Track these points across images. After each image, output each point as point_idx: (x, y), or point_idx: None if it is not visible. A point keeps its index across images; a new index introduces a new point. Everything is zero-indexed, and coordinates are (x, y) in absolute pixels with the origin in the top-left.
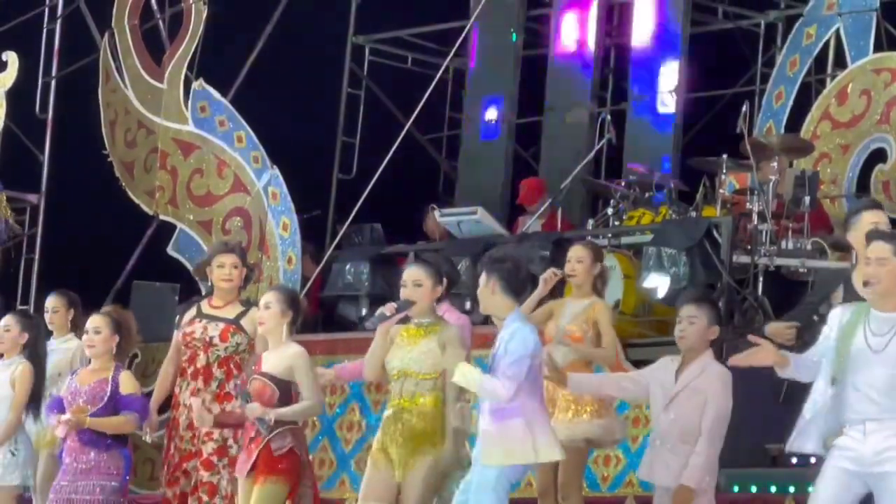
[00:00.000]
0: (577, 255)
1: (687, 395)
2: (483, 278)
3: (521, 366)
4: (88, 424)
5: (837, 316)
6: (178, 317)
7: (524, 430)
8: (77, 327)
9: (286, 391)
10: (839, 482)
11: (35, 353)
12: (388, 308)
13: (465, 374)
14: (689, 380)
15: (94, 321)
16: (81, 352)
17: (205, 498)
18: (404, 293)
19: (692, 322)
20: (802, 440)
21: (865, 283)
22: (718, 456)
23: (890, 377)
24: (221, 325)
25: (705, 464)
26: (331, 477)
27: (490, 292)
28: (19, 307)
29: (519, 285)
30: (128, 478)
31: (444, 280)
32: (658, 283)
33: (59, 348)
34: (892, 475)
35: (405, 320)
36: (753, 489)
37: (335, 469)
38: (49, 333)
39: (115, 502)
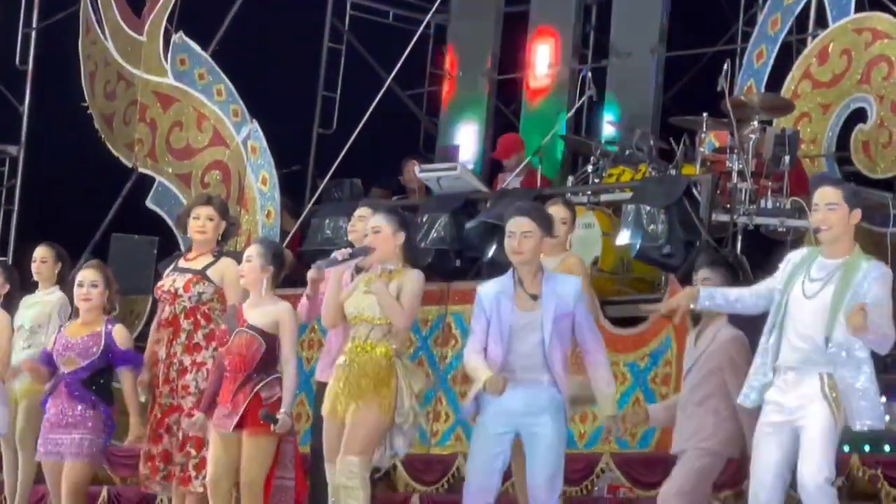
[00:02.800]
0: (560, 215)
1: (704, 361)
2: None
3: None
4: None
5: (789, 259)
6: (161, 273)
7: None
8: (63, 281)
9: (272, 345)
10: (774, 442)
11: (9, 302)
12: (339, 253)
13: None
14: (705, 345)
15: (91, 275)
16: (62, 305)
17: (193, 452)
18: (364, 241)
19: (706, 284)
20: (747, 392)
21: (816, 230)
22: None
23: (817, 325)
24: (187, 276)
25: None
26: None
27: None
28: None
29: None
30: (110, 436)
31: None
32: (628, 241)
33: (42, 300)
34: (808, 418)
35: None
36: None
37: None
38: (32, 285)
39: (97, 458)
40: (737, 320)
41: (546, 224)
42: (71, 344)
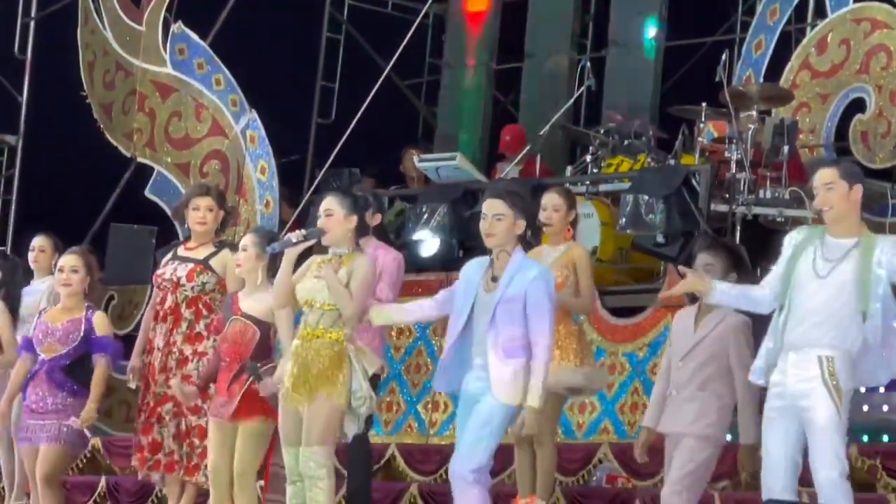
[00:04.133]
0: (553, 202)
1: (707, 344)
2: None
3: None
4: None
5: (791, 238)
6: (159, 261)
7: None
8: None
9: (266, 333)
10: (780, 428)
11: (9, 293)
12: (294, 234)
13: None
14: (709, 329)
15: (72, 260)
16: (50, 293)
17: (196, 441)
18: (319, 223)
19: (708, 269)
20: (758, 374)
21: (819, 213)
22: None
23: (828, 305)
24: (190, 266)
25: (755, 417)
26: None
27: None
28: None
29: None
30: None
31: (369, 211)
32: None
33: (39, 289)
34: (812, 410)
35: (324, 251)
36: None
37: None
38: (29, 275)
39: (78, 444)
40: None
41: (521, 207)
42: (51, 330)
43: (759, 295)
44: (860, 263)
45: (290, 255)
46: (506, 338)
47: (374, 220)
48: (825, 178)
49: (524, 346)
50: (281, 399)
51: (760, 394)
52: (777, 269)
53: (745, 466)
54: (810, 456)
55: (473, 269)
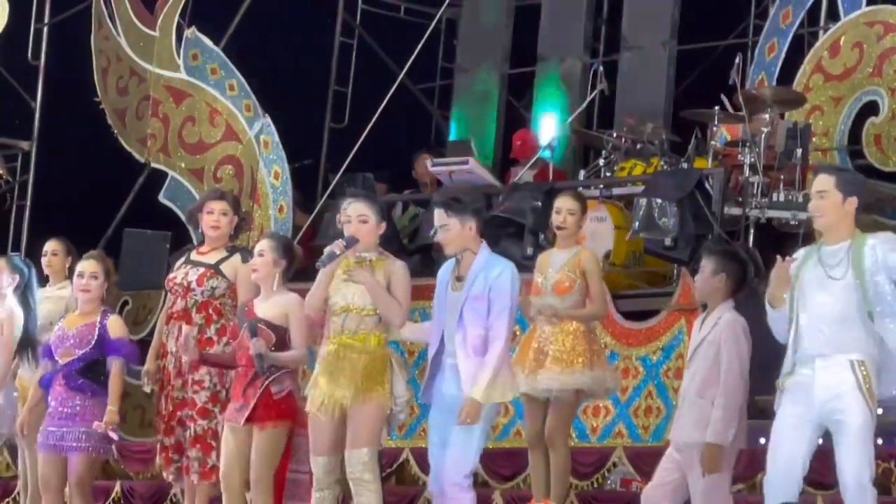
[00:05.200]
0: (567, 206)
1: (704, 349)
2: None
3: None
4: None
5: (794, 258)
6: (173, 265)
7: (508, 362)
8: (73, 275)
9: (281, 337)
10: (797, 433)
11: (25, 297)
12: (337, 246)
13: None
14: (706, 333)
15: (91, 266)
16: (73, 299)
17: (213, 443)
18: (349, 229)
19: (702, 271)
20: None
21: (814, 218)
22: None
23: (839, 308)
24: (201, 270)
25: (724, 417)
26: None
27: None
28: (10, 253)
29: None
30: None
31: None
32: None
33: (54, 295)
34: (847, 413)
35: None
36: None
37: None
38: (44, 280)
39: (102, 448)
40: (745, 307)
41: (464, 210)
42: (67, 335)
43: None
44: (853, 265)
45: (333, 266)
46: (473, 336)
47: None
48: (821, 185)
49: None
50: (312, 409)
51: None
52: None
53: (707, 466)
54: (839, 460)
55: (443, 271)
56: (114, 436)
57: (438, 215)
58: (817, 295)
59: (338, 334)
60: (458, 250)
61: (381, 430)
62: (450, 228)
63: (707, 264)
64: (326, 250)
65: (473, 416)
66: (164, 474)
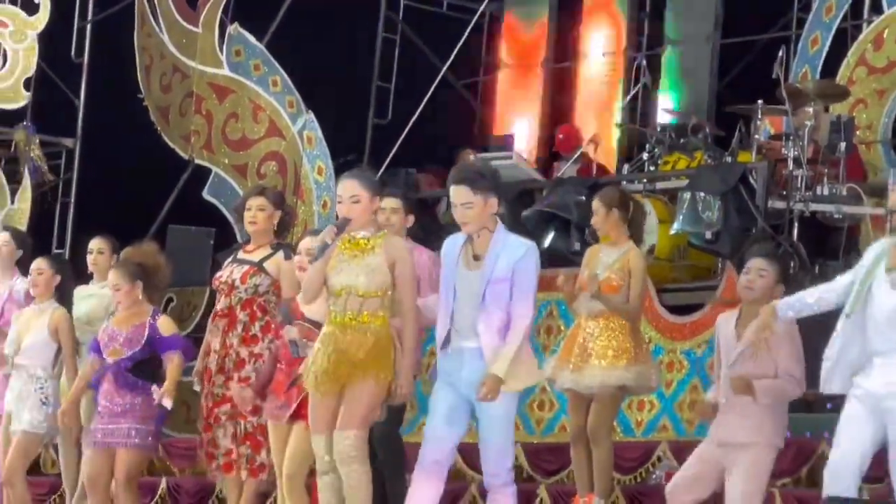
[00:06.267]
0: (594, 206)
1: (750, 354)
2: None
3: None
4: (170, 389)
5: (871, 250)
6: (221, 263)
7: (527, 348)
8: None
9: None
10: (856, 429)
11: (62, 295)
12: (328, 235)
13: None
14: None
15: (112, 278)
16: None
17: (262, 440)
18: (340, 209)
19: (762, 275)
20: (828, 381)
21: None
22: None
23: None
24: (245, 268)
25: (778, 393)
26: None
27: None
28: (55, 251)
29: None
30: (161, 422)
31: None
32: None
33: (98, 293)
34: None
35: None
36: (788, 434)
37: None
38: (85, 277)
39: (149, 446)
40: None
41: (487, 186)
42: (116, 334)
43: (822, 296)
44: None
45: (328, 254)
46: (499, 318)
47: (408, 222)
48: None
49: None
50: (311, 388)
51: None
52: (850, 276)
53: (699, 410)
54: (893, 455)
55: (450, 246)
56: (167, 403)
57: (462, 192)
58: (881, 296)
59: (340, 315)
60: (477, 228)
61: (374, 413)
62: (474, 206)
63: (771, 271)
64: (318, 239)
65: (494, 392)
66: (209, 473)
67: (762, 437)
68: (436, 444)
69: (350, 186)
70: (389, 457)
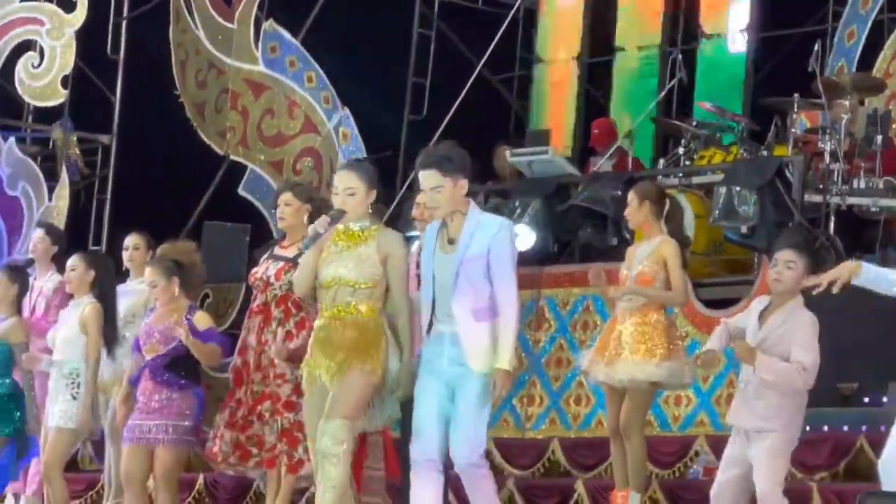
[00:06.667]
0: (628, 197)
1: (773, 342)
2: None
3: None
4: (185, 340)
5: None
6: (258, 260)
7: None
8: None
9: None
10: None
11: (103, 292)
12: (320, 225)
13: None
14: (776, 326)
15: (149, 274)
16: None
17: (300, 436)
18: (336, 201)
19: (790, 267)
20: None
21: None
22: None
23: None
24: (280, 264)
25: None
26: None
27: None
28: (91, 248)
29: None
30: (200, 418)
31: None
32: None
33: (135, 289)
34: None
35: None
36: (826, 428)
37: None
38: (123, 273)
39: (188, 442)
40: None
41: (455, 168)
42: (153, 331)
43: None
44: None
45: (319, 244)
46: (473, 300)
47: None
48: None
49: (493, 306)
50: (306, 386)
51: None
52: None
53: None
54: None
55: (429, 233)
56: (180, 334)
57: (430, 176)
58: None
59: (330, 307)
60: (449, 212)
61: (363, 405)
62: (443, 189)
63: (799, 262)
64: (310, 230)
65: (506, 387)
66: (220, 467)
67: (776, 424)
68: (427, 442)
69: (346, 178)
70: None
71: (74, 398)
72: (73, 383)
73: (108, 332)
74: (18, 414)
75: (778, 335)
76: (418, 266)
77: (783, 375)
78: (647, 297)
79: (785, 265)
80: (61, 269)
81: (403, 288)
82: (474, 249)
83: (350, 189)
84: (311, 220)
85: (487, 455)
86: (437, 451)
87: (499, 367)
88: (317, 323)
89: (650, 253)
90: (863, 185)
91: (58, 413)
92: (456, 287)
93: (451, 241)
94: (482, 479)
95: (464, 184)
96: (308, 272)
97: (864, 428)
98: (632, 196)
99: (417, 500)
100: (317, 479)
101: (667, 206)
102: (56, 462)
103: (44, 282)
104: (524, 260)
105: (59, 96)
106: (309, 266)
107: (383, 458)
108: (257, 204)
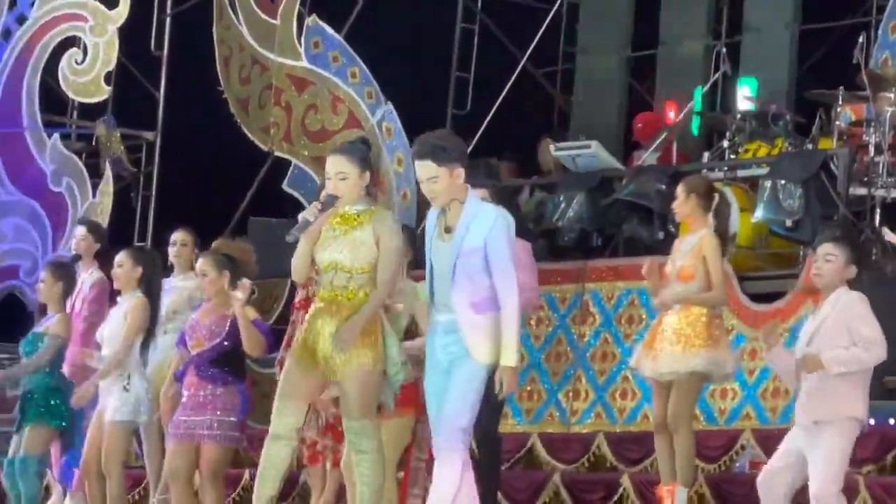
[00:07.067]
0: (677, 189)
1: (826, 328)
2: None
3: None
4: (238, 311)
5: None
6: None
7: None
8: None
9: (408, 327)
10: None
11: (149, 287)
12: (310, 213)
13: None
14: (826, 314)
15: (201, 265)
16: (198, 290)
17: (341, 429)
18: (328, 186)
19: (829, 260)
20: None
21: None
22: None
23: None
24: None
25: (849, 360)
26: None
27: None
28: (136, 244)
29: None
30: (245, 413)
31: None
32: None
33: (178, 286)
34: None
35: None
36: (872, 422)
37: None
38: (169, 269)
39: (233, 437)
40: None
41: (451, 157)
42: (199, 326)
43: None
44: None
45: (314, 230)
46: (473, 292)
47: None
48: None
49: (494, 297)
50: (293, 358)
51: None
52: None
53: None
54: None
55: (429, 221)
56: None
57: (426, 167)
58: None
59: (327, 290)
60: (446, 201)
61: (374, 397)
62: (439, 179)
63: (839, 254)
64: (300, 217)
65: (513, 385)
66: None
67: (839, 414)
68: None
69: (337, 163)
70: (487, 456)
71: (126, 390)
72: (121, 375)
73: (153, 327)
74: (66, 408)
75: (830, 321)
76: None
77: (851, 362)
78: (687, 301)
79: (824, 259)
80: (103, 266)
81: (389, 269)
82: (470, 242)
83: (342, 173)
84: None
85: (532, 449)
86: (456, 441)
87: (504, 364)
88: (313, 306)
89: (692, 248)
90: None
91: (112, 407)
92: (454, 280)
93: (449, 230)
94: (453, 466)
95: (460, 172)
96: (304, 260)
97: None
98: (680, 189)
99: (442, 485)
100: (356, 476)
101: (715, 201)
102: (112, 457)
103: (86, 278)
104: (568, 253)
105: (103, 93)
106: (304, 254)
107: (427, 448)
108: (302, 199)
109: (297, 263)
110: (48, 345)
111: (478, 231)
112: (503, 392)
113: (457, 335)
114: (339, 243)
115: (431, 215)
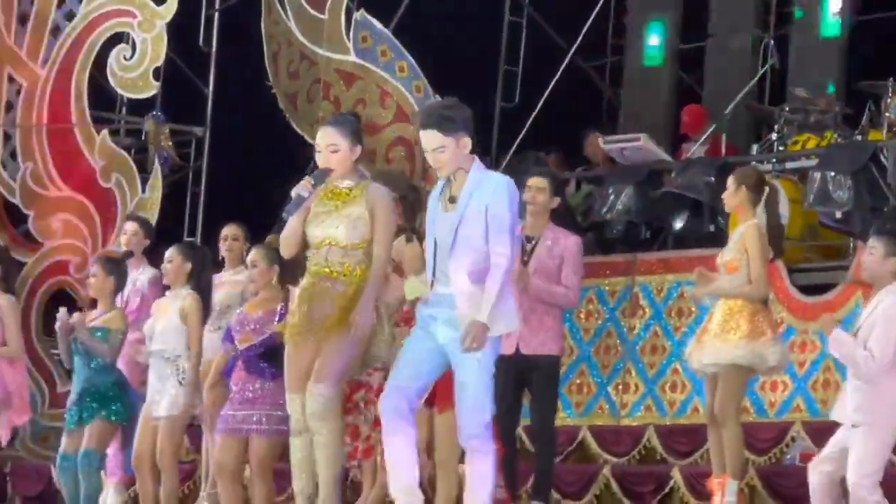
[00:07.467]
0: (728, 181)
1: (866, 329)
2: None
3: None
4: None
5: None
6: None
7: (507, 292)
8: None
9: None
10: None
11: (199, 283)
12: (303, 188)
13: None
14: (868, 312)
15: (252, 255)
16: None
17: None
18: (319, 160)
19: (871, 253)
20: None
21: None
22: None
23: None
24: None
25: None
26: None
27: None
28: (186, 239)
29: None
30: None
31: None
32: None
33: (230, 280)
34: None
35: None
36: None
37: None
38: (219, 264)
39: (282, 432)
40: None
41: (457, 127)
42: (247, 320)
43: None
44: None
45: (306, 207)
46: (471, 261)
47: (553, 203)
48: None
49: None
50: (289, 342)
51: None
52: None
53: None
54: None
55: (435, 192)
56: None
57: (431, 137)
58: None
59: (320, 267)
60: (452, 170)
61: (348, 370)
62: (446, 149)
63: (878, 246)
64: (293, 193)
65: (480, 341)
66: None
67: (874, 416)
68: (396, 395)
69: (328, 135)
70: (542, 451)
71: (181, 384)
72: (176, 369)
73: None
74: (128, 403)
75: (869, 321)
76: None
77: (850, 358)
78: (723, 295)
79: (868, 251)
80: (153, 262)
81: (385, 242)
82: (472, 209)
83: (333, 146)
84: (407, 210)
85: (582, 442)
86: (406, 405)
87: (477, 318)
88: (303, 282)
89: (737, 240)
90: None
91: (167, 402)
92: (454, 247)
93: (453, 200)
94: (487, 464)
95: (467, 141)
96: (294, 235)
97: None
98: (731, 180)
99: (393, 456)
100: (315, 446)
101: (765, 193)
102: (168, 452)
103: (137, 275)
104: (617, 246)
105: (151, 88)
106: (295, 228)
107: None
108: None
109: (287, 237)
110: (114, 340)
111: (480, 198)
112: (466, 345)
113: (460, 333)
114: (332, 219)
115: (435, 187)
